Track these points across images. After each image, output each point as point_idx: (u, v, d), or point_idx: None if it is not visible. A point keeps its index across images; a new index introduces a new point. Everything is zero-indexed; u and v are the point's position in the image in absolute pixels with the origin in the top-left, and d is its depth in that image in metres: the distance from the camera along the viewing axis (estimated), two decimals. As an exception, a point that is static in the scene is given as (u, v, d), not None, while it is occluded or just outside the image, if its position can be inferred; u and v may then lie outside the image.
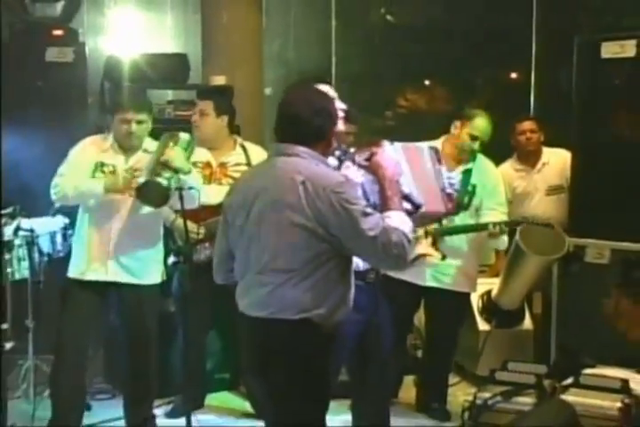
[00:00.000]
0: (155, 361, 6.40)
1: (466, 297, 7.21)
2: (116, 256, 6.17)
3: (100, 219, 6.15)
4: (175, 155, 6.04)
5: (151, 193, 5.84)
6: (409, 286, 6.41)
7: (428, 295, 6.89)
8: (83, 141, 6.32)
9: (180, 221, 6.14)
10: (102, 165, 6.19)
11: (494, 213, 6.91)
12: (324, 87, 5.26)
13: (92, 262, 6.16)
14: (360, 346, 5.18)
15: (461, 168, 6.71)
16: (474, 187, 6.81)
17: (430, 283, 6.76)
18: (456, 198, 5.68)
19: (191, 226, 6.25)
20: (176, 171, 5.90)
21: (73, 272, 6.20)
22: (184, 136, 6.14)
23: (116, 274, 6.17)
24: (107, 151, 6.24)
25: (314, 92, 4.58)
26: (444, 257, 6.27)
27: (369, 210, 4.17)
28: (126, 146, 6.24)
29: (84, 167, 6.16)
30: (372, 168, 4.57)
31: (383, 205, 4.42)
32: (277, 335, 4.19)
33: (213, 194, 6.44)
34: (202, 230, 6.46)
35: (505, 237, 6.95)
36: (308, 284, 4.15)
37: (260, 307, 4.22)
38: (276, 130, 4.46)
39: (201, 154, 6.76)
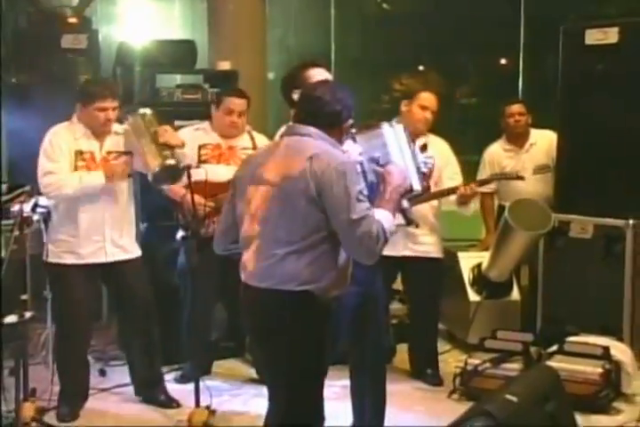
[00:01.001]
0: (156, 326, 6.45)
1: (439, 263, 7.10)
2: (111, 238, 6.23)
3: (91, 205, 6.15)
4: (169, 134, 6.09)
5: (168, 175, 5.93)
6: (386, 258, 6.36)
7: (404, 265, 6.82)
8: (52, 132, 6.21)
9: (188, 197, 6.16)
10: (81, 153, 6.15)
11: (454, 181, 6.89)
12: (318, 70, 5.30)
13: (89, 247, 6.18)
14: (357, 317, 5.20)
15: (418, 143, 6.65)
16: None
17: (405, 252, 6.71)
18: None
19: (200, 200, 6.30)
20: (173, 147, 5.98)
21: (69, 259, 6.17)
22: (148, 111, 6.17)
23: (114, 254, 6.22)
24: (80, 139, 6.16)
25: (337, 85, 4.58)
26: (417, 225, 6.29)
27: (362, 197, 4.16)
28: (101, 132, 6.21)
29: (66, 158, 6.14)
30: (383, 174, 4.52)
31: (377, 203, 4.38)
32: (279, 306, 4.20)
33: (222, 173, 6.48)
34: (211, 204, 6.47)
35: (472, 204, 6.89)
36: (309, 257, 4.15)
37: (262, 278, 4.23)
38: (296, 112, 4.51)
39: (212, 137, 6.80)
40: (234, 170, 6.43)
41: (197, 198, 6.21)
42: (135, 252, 6.39)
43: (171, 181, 6.08)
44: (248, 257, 4.33)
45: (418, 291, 7.06)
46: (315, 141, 4.28)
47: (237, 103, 6.79)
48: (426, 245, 6.87)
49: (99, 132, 6.21)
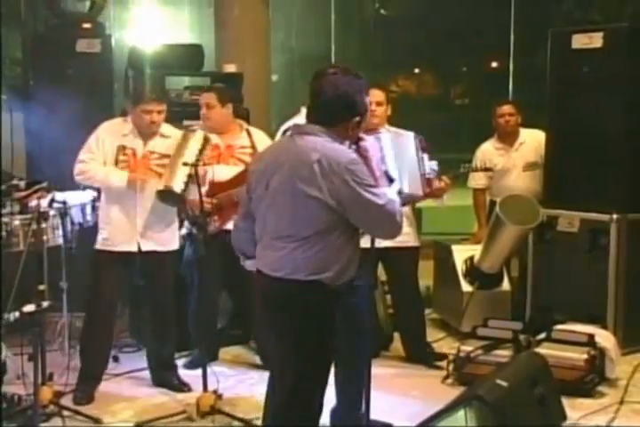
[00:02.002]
0: (173, 316, 6.50)
1: (417, 251, 7.09)
2: (143, 230, 6.27)
3: (125, 199, 6.21)
4: (188, 153, 6.14)
5: (169, 197, 5.99)
6: (369, 250, 6.17)
7: (385, 256, 6.65)
8: (101, 127, 6.32)
9: (192, 196, 6.18)
10: (124, 148, 6.24)
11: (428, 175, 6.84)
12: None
13: (122, 236, 6.23)
14: (347, 307, 5.20)
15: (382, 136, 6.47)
16: None
17: (386, 243, 6.61)
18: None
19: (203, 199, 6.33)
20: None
21: (104, 245, 6.26)
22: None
23: (144, 245, 6.26)
24: (127, 136, 6.26)
25: (348, 81, 4.39)
26: None
27: (374, 183, 4.23)
28: (147, 133, 6.29)
29: (107, 152, 6.21)
30: (360, 152, 4.52)
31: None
32: (289, 294, 4.24)
33: (222, 172, 6.53)
34: (213, 200, 6.49)
35: (445, 196, 6.84)
36: (317, 250, 4.18)
37: (275, 268, 4.26)
38: (307, 110, 4.48)
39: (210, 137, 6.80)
40: (233, 169, 6.51)
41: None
42: (168, 245, 6.42)
43: (170, 203, 6.14)
44: (262, 248, 4.37)
45: (400, 279, 7.05)
46: (319, 139, 4.25)
47: (205, 96, 6.84)
48: (404, 235, 6.84)
49: (145, 132, 6.28)
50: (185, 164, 5.91)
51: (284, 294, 4.28)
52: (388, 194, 4.26)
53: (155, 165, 6.24)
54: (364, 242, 4.98)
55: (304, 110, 5.24)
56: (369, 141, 4.70)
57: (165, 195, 6.01)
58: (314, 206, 4.14)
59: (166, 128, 6.34)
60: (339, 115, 4.32)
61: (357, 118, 4.36)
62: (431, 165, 5.55)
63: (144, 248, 6.28)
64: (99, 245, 6.31)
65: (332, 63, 11.21)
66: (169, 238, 6.42)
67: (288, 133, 4.49)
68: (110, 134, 6.27)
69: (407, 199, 5.62)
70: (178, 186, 5.96)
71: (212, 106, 6.76)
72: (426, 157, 5.56)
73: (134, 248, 6.26)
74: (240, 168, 6.46)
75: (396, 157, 5.26)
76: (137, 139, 6.28)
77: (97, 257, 6.33)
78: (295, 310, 4.26)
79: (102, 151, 6.22)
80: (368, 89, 4.57)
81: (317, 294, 4.23)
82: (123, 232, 6.23)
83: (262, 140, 6.67)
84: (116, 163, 6.22)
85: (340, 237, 4.23)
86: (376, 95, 6.52)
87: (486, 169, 7.58)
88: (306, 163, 4.14)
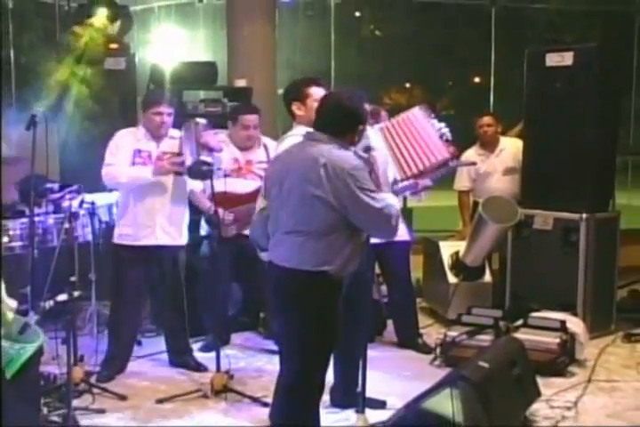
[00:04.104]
0: (184, 304, 6.52)
1: (409, 245, 7.07)
2: (162, 226, 6.30)
3: (145, 196, 6.22)
4: (210, 137, 6.18)
5: (200, 171, 5.96)
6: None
7: (380, 250, 6.52)
8: (118, 134, 6.34)
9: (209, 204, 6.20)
10: (140, 151, 6.27)
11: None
12: (319, 89, 5.28)
13: (142, 231, 6.25)
14: (349, 296, 5.21)
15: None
16: None
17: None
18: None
19: (220, 211, 6.36)
20: (211, 150, 6.06)
21: (125, 240, 6.27)
22: (202, 121, 6.24)
23: (162, 239, 6.28)
24: (141, 140, 6.29)
25: (349, 96, 4.50)
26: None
27: (374, 187, 4.25)
28: (157, 134, 6.30)
29: (125, 155, 6.22)
30: (370, 160, 4.54)
31: (377, 188, 4.42)
32: (297, 282, 4.28)
33: (239, 186, 6.56)
34: (229, 217, 6.50)
35: (423, 194, 6.82)
36: (323, 243, 4.22)
37: (286, 259, 4.30)
38: (315, 118, 4.49)
39: (231, 151, 6.77)
40: (250, 184, 6.50)
41: (220, 211, 6.31)
42: (180, 240, 6.43)
43: (202, 176, 6.09)
44: (275, 242, 4.40)
45: (394, 271, 7.02)
46: (327, 146, 4.28)
47: (250, 119, 6.78)
48: (399, 230, 6.83)
49: (157, 135, 6.30)
50: (205, 144, 6.10)
51: (292, 283, 4.30)
52: (387, 199, 4.29)
53: (169, 164, 6.27)
54: None
55: (297, 126, 5.27)
56: (377, 151, 4.74)
57: (197, 168, 5.96)
58: (319, 206, 4.18)
59: (173, 131, 6.37)
60: (345, 126, 4.40)
61: (361, 127, 4.46)
62: (441, 127, 5.53)
63: (161, 242, 6.30)
64: (119, 240, 6.31)
65: (331, 78, 11.24)
66: (181, 234, 6.44)
67: (300, 140, 4.50)
68: (126, 140, 6.30)
69: (441, 165, 5.58)
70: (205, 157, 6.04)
71: (257, 126, 6.77)
72: (435, 121, 5.54)
73: (153, 242, 6.29)
74: (258, 183, 6.37)
75: (410, 136, 5.32)
76: (150, 142, 6.31)
77: (119, 251, 6.33)
78: (302, 297, 4.28)
79: (122, 155, 6.23)
80: (366, 100, 4.63)
81: (322, 284, 4.26)
82: (144, 228, 6.25)
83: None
84: (133, 164, 6.24)
85: (342, 234, 4.27)
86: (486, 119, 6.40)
87: (472, 163, 7.72)
88: (314, 167, 4.17)
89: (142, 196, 6.24)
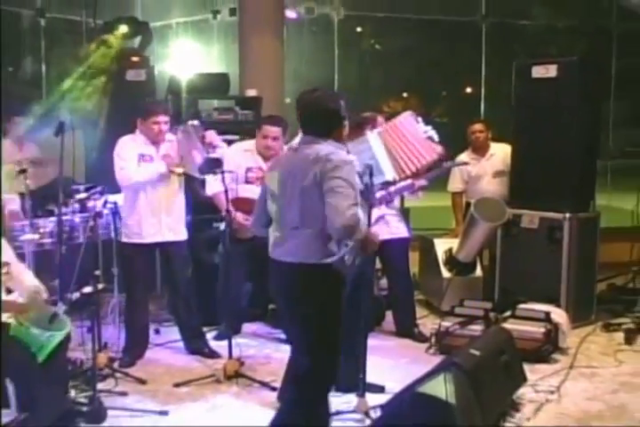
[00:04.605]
0: (194, 293, 6.53)
1: (408, 241, 7.04)
2: (166, 223, 6.32)
3: (150, 197, 6.24)
4: (213, 136, 6.20)
5: (210, 166, 5.98)
6: None
7: (382, 247, 6.55)
8: (121, 141, 6.31)
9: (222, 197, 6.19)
10: (143, 155, 6.27)
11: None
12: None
13: (148, 230, 6.27)
14: (353, 290, 5.21)
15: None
16: None
17: (384, 236, 6.23)
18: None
19: (242, 216, 6.41)
20: (214, 147, 6.08)
21: (132, 239, 6.27)
22: (195, 122, 6.25)
23: (167, 235, 6.31)
24: (141, 145, 6.29)
25: (327, 100, 4.40)
26: None
27: (355, 185, 4.14)
28: (156, 140, 6.30)
29: (131, 159, 6.23)
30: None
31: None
32: (306, 276, 4.22)
33: (254, 192, 6.57)
34: (248, 221, 6.48)
35: (420, 193, 6.71)
36: (326, 238, 4.17)
37: (292, 254, 4.24)
38: (301, 126, 4.41)
39: (256, 160, 6.72)
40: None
41: (240, 215, 6.38)
42: (183, 235, 6.47)
43: (212, 170, 6.11)
44: (281, 239, 4.34)
45: (394, 265, 7.01)
46: (320, 146, 4.24)
47: (271, 130, 6.69)
48: (397, 228, 6.85)
49: (155, 141, 6.30)
50: (210, 143, 6.21)
51: (300, 277, 4.24)
52: (353, 202, 4.08)
53: (172, 157, 6.28)
54: None
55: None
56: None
57: (207, 165, 5.97)
58: (318, 203, 4.13)
59: (169, 135, 6.38)
60: (333, 125, 4.33)
61: (345, 123, 4.39)
62: (427, 130, 5.53)
63: (167, 238, 6.32)
64: (126, 239, 6.30)
65: (334, 88, 11.24)
66: (182, 229, 6.47)
67: (295, 145, 4.49)
68: (130, 145, 6.29)
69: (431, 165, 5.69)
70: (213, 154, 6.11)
71: (278, 138, 6.69)
72: (422, 125, 5.54)
73: (160, 239, 6.30)
74: None
75: (404, 139, 5.34)
76: (150, 146, 6.31)
77: (126, 249, 6.31)
78: (309, 290, 4.23)
79: (130, 158, 6.23)
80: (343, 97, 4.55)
81: (328, 276, 4.22)
82: (151, 226, 6.26)
83: None
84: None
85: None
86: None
87: (465, 163, 7.77)
88: (312, 166, 4.15)
89: (147, 196, 6.25)
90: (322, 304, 4.25)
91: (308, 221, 4.20)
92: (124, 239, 6.31)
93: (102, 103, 8.11)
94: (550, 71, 7.25)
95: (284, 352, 5.61)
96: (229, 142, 7.07)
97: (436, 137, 5.54)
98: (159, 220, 6.28)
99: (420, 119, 5.54)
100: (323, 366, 4.33)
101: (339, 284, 4.30)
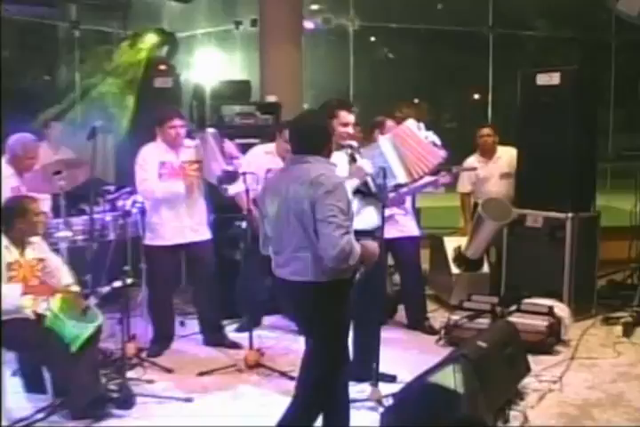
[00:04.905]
0: (216, 288, 6.54)
1: (418, 239, 7.04)
2: (190, 225, 6.34)
3: (176, 204, 6.27)
4: (231, 146, 6.21)
5: (229, 178, 6.01)
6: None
7: (394, 245, 6.51)
8: (143, 150, 6.32)
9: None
10: (163, 163, 6.28)
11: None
12: (345, 113, 5.29)
13: (173, 232, 6.29)
14: (366, 285, 5.23)
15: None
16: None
17: (396, 235, 6.52)
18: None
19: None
20: (232, 157, 6.11)
21: (157, 241, 6.29)
22: (212, 130, 6.31)
23: (191, 237, 6.35)
24: (162, 153, 6.29)
25: (315, 118, 4.47)
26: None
27: (346, 212, 4.07)
28: (174, 145, 6.29)
29: (152, 168, 6.23)
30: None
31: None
32: (318, 294, 4.13)
33: None
34: None
35: (442, 188, 6.71)
36: None
37: (302, 274, 4.12)
38: (291, 144, 4.35)
39: (276, 162, 6.63)
40: None
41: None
42: (206, 235, 6.48)
43: (230, 182, 6.14)
44: (285, 260, 4.21)
45: (405, 262, 7.00)
46: (312, 166, 4.15)
47: None
48: (408, 227, 6.84)
49: (174, 145, 6.30)
50: (230, 154, 6.22)
51: (312, 295, 4.15)
52: (348, 229, 4.06)
53: (191, 171, 6.30)
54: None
55: None
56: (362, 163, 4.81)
57: (226, 176, 6.05)
58: (305, 219, 4.05)
59: (187, 141, 6.39)
60: (323, 142, 4.26)
61: (333, 139, 4.38)
62: (427, 136, 5.55)
63: (190, 240, 6.34)
64: (151, 242, 6.31)
65: (350, 95, 11.26)
66: (205, 230, 6.49)
67: (290, 163, 4.35)
68: (151, 154, 6.29)
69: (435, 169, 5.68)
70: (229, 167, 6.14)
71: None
72: (423, 131, 5.56)
73: (182, 240, 6.31)
74: None
75: (412, 143, 5.34)
76: (170, 153, 6.30)
77: (150, 250, 6.32)
78: (322, 306, 4.17)
79: (150, 169, 6.24)
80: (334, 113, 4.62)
81: (339, 291, 4.17)
82: (174, 229, 6.28)
83: None
84: (160, 176, 6.26)
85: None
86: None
87: (473, 169, 7.76)
88: (303, 193, 4.05)
89: (171, 200, 6.27)
90: (334, 316, 4.21)
91: (308, 243, 4.08)
92: (148, 242, 6.31)
93: (129, 103, 8.16)
94: (553, 79, 7.24)
95: (301, 344, 5.58)
96: (250, 146, 7.10)
97: (438, 141, 5.55)
98: (182, 222, 6.30)
99: (422, 125, 5.54)
100: (336, 365, 4.33)
101: (347, 293, 4.25)
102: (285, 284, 4.24)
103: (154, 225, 6.32)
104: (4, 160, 6.18)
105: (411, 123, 5.57)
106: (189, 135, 6.46)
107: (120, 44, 9.14)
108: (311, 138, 4.26)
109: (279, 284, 4.30)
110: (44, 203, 6.18)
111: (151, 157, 6.29)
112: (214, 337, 6.57)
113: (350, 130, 5.31)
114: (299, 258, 4.13)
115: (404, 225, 6.78)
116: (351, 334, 5.56)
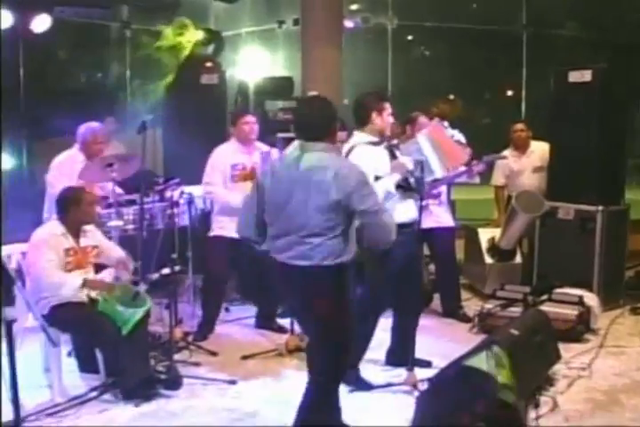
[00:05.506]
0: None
1: (454, 230, 7.02)
2: None
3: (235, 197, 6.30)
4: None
5: None
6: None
7: (430, 235, 6.45)
8: (215, 152, 6.35)
9: None
10: (235, 165, 6.31)
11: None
12: (387, 104, 5.29)
13: (232, 225, 6.32)
14: (405, 272, 5.24)
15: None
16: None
17: (431, 225, 6.49)
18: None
19: None
20: None
21: (222, 233, 6.30)
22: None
23: None
24: (235, 154, 6.32)
25: (322, 104, 4.28)
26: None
27: (377, 197, 4.15)
28: (248, 141, 6.32)
29: (223, 171, 6.28)
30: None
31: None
32: (321, 277, 4.06)
33: None
34: None
35: (477, 178, 6.69)
36: (340, 239, 4.05)
37: (305, 258, 4.04)
38: (296, 130, 4.24)
39: None
40: None
41: None
42: None
43: None
44: (286, 243, 4.10)
45: (440, 252, 7.01)
46: (327, 155, 4.08)
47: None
48: (443, 218, 6.83)
49: (248, 142, 6.35)
50: None
51: (316, 278, 4.06)
52: (386, 206, 4.15)
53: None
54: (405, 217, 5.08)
55: (355, 132, 5.28)
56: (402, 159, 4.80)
57: None
58: (330, 207, 3.98)
59: (260, 145, 6.42)
60: (331, 129, 4.18)
61: (338, 125, 4.29)
62: (453, 135, 5.55)
63: None
64: (215, 233, 6.38)
65: (388, 91, 11.23)
66: None
67: (295, 149, 4.22)
68: (223, 157, 6.32)
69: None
70: None
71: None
72: (449, 130, 5.55)
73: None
74: None
75: (442, 141, 5.32)
76: (244, 155, 6.34)
77: (215, 242, 6.37)
78: (325, 289, 4.09)
79: (220, 172, 6.27)
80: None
81: (341, 274, 4.11)
82: (231, 223, 6.29)
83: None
84: (232, 178, 6.31)
85: (349, 227, 4.10)
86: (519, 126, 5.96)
87: (503, 157, 7.73)
88: (324, 177, 3.97)
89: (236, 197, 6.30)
90: (337, 299, 4.12)
91: (321, 229, 4.00)
92: (214, 233, 6.39)
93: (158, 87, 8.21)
94: (585, 76, 7.18)
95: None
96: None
97: (463, 140, 5.57)
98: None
99: (446, 124, 5.55)
100: (339, 363, 4.28)
101: (348, 277, 4.18)
102: (286, 268, 4.12)
103: (220, 218, 6.36)
104: (75, 148, 6.38)
105: (437, 122, 5.59)
106: (263, 140, 6.48)
107: (165, 30, 9.19)
108: (320, 124, 4.15)
109: (281, 269, 4.16)
110: (102, 188, 6.32)
111: (223, 158, 6.31)
112: (267, 322, 6.62)
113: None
114: (305, 242, 4.04)
115: (439, 216, 6.78)
116: (390, 320, 5.63)
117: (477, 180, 6.72)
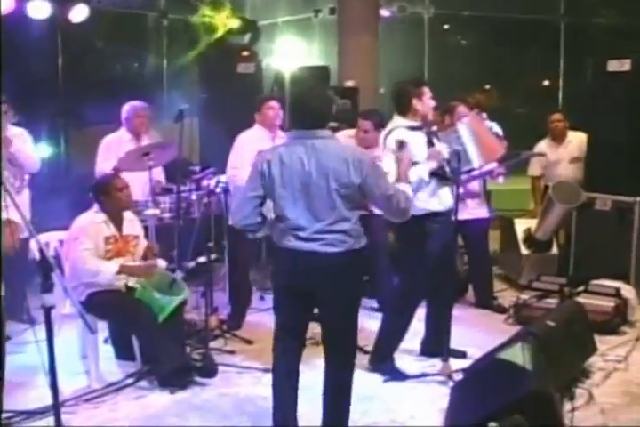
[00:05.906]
0: None
1: (488, 221, 6.99)
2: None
3: None
4: None
5: None
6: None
7: (463, 226, 6.22)
8: (240, 138, 6.28)
9: None
10: (260, 151, 6.27)
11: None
12: (425, 88, 5.29)
13: None
14: (439, 262, 5.23)
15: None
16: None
17: (465, 216, 6.31)
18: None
19: None
20: None
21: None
22: None
23: None
24: (260, 140, 6.19)
25: (321, 91, 4.29)
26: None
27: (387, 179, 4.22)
28: (272, 126, 6.29)
29: (249, 157, 6.13)
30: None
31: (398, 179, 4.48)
32: (354, 260, 4.07)
33: None
34: None
35: (501, 178, 6.67)
36: (355, 223, 4.06)
37: (337, 245, 4.00)
38: (296, 119, 4.16)
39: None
40: None
41: None
42: None
43: None
44: (313, 232, 4.03)
45: (473, 244, 7.00)
46: (335, 142, 4.13)
47: (362, 123, 6.53)
48: (477, 209, 6.80)
49: (272, 127, 6.31)
50: None
51: (350, 262, 4.06)
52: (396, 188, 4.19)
53: None
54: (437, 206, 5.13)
55: (396, 117, 5.28)
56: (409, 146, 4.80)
57: None
58: (352, 192, 3.99)
59: (282, 134, 6.34)
60: (331, 115, 4.16)
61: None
62: (492, 126, 5.54)
63: None
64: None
65: (424, 80, 11.19)
66: None
67: (295, 138, 4.13)
68: (248, 143, 6.19)
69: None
70: None
71: (368, 131, 6.45)
72: (487, 122, 5.54)
73: None
74: None
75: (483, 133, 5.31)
76: (267, 141, 6.18)
77: (235, 233, 6.35)
78: (356, 272, 4.17)
79: (245, 157, 6.07)
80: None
81: (362, 258, 4.15)
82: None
83: None
84: None
85: (359, 210, 4.13)
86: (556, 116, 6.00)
87: (540, 154, 7.72)
88: (339, 162, 3.97)
89: None
90: (360, 282, 4.28)
91: (346, 214, 4.01)
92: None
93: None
94: (624, 65, 7.10)
95: (375, 319, 5.63)
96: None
97: (500, 132, 5.55)
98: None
99: (485, 115, 5.53)
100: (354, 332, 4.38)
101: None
102: (315, 258, 4.02)
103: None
104: (123, 128, 6.70)
105: (474, 113, 5.58)
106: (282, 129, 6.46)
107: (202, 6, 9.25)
108: (325, 112, 4.12)
109: (308, 259, 4.04)
110: (157, 174, 6.50)
111: (248, 144, 6.17)
112: None
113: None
114: (334, 230, 4.01)
115: (472, 207, 6.76)
116: (424, 310, 5.62)
117: (501, 180, 6.70)
